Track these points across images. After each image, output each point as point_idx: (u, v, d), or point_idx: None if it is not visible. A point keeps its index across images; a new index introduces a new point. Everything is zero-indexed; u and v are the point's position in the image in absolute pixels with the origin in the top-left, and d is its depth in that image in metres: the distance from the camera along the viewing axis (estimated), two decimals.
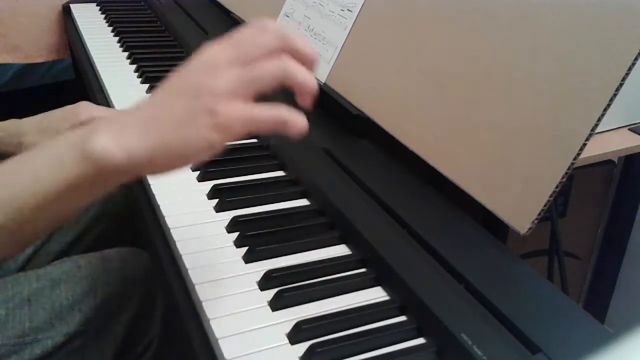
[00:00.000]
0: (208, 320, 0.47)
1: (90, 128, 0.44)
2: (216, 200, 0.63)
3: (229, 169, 0.68)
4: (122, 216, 0.89)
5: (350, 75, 0.78)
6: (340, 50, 0.81)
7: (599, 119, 0.51)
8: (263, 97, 0.43)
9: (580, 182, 1.00)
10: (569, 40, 0.54)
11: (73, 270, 0.69)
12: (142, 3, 1.37)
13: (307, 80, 0.44)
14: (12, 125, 0.77)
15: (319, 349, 0.44)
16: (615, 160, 1.06)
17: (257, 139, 0.77)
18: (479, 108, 0.60)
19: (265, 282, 0.51)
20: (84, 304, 0.67)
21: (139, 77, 0.95)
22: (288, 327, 0.47)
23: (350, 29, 0.80)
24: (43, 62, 1.41)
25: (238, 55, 0.43)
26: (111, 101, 0.86)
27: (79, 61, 1.08)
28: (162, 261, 0.56)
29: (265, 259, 0.55)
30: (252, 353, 0.44)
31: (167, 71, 0.44)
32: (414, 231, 0.56)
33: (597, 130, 0.51)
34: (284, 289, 0.50)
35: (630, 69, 0.49)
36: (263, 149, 0.74)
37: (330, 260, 0.55)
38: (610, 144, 0.84)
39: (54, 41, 1.37)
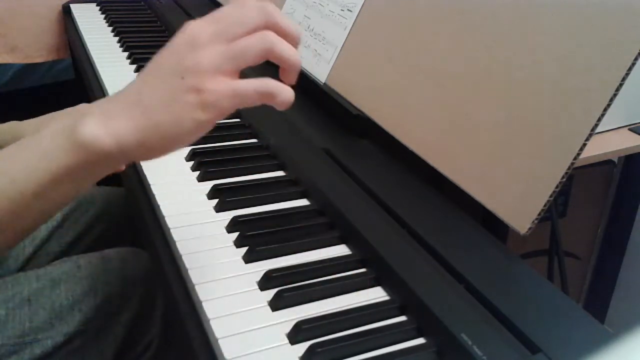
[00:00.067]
0: (208, 320, 0.47)
1: (79, 115, 0.44)
2: (216, 200, 0.63)
3: (229, 169, 0.68)
4: (122, 216, 0.89)
5: (350, 75, 0.78)
6: (340, 50, 0.81)
7: (599, 119, 0.51)
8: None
9: (580, 182, 1.00)
10: (569, 40, 0.54)
11: (73, 270, 0.69)
12: (142, 3, 1.37)
13: (291, 56, 0.44)
14: (12, 127, 0.77)
15: (319, 349, 0.44)
16: (615, 160, 1.06)
17: (257, 139, 0.77)
18: (479, 108, 0.60)
19: (265, 282, 0.51)
20: (84, 304, 0.67)
21: None
22: (288, 327, 0.47)
23: (350, 29, 0.80)
24: (43, 62, 1.41)
25: (220, 31, 0.42)
26: None
27: (79, 61, 1.08)
28: (162, 261, 0.56)
29: (265, 259, 0.55)
30: (252, 353, 0.44)
31: None
32: (414, 231, 0.56)
33: (597, 130, 0.51)
34: (284, 289, 0.50)
35: (630, 69, 0.49)
36: (263, 149, 0.74)
37: (330, 260, 0.55)
38: (610, 144, 0.84)
39: (54, 41, 1.37)
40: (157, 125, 0.42)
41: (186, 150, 0.72)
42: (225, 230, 0.59)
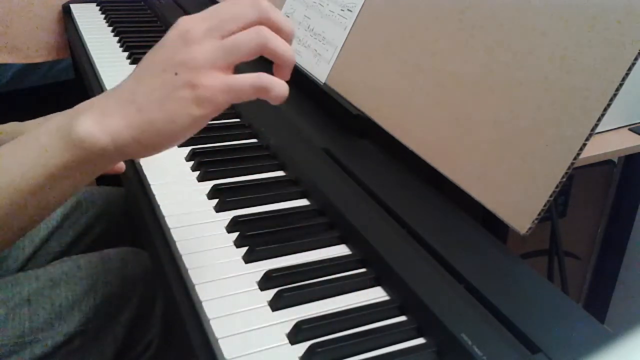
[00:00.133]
0: (208, 320, 0.47)
1: (74, 112, 0.43)
2: (216, 200, 0.63)
3: (229, 169, 0.68)
4: (122, 216, 0.89)
5: (350, 75, 0.78)
6: (340, 50, 0.81)
7: (599, 119, 0.51)
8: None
9: (580, 182, 1.00)
10: (569, 40, 0.54)
11: (73, 270, 0.69)
12: (142, 3, 1.37)
13: (286, 51, 0.44)
14: (12, 127, 0.77)
15: (319, 349, 0.44)
16: (615, 160, 1.06)
17: (257, 139, 0.77)
18: (479, 108, 0.60)
19: (265, 282, 0.51)
20: (84, 304, 0.67)
21: None
22: (288, 327, 0.47)
23: (350, 29, 0.80)
24: (43, 62, 1.41)
25: (214, 26, 0.42)
26: None
27: (79, 61, 1.08)
28: (162, 261, 0.56)
29: (265, 259, 0.55)
30: (252, 353, 0.44)
31: None
32: (414, 231, 0.56)
33: (597, 130, 0.51)
34: (284, 289, 0.50)
35: (630, 69, 0.49)
36: (263, 149, 0.74)
37: (330, 260, 0.55)
38: (610, 144, 0.84)
39: (54, 41, 1.37)
40: (151, 121, 0.41)
41: (186, 150, 0.72)
42: (225, 230, 0.59)
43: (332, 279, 0.53)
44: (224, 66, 0.42)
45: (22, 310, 0.64)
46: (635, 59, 0.49)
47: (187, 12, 1.21)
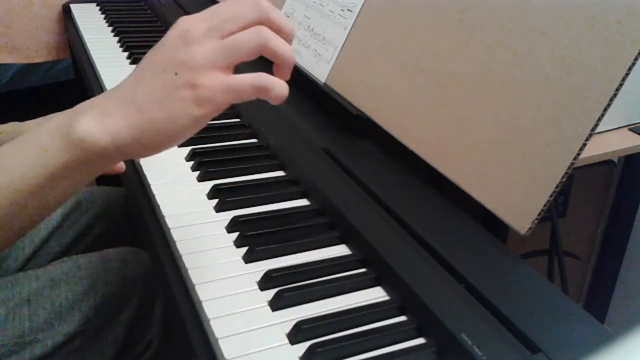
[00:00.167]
0: (208, 320, 0.47)
1: (74, 112, 0.43)
2: (216, 200, 0.63)
3: (229, 169, 0.68)
4: (122, 216, 0.89)
5: (350, 75, 0.78)
6: (340, 50, 0.81)
7: (599, 119, 0.51)
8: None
9: (580, 182, 1.00)
10: (569, 40, 0.54)
11: (73, 270, 0.69)
12: (142, 3, 1.37)
13: (286, 51, 0.44)
14: (13, 127, 0.77)
15: (319, 349, 0.44)
16: (615, 160, 1.06)
17: (257, 139, 0.77)
18: (479, 108, 0.60)
19: (265, 282, 0.51)
20: (84, 304, 0.67)
21: None
22: (288, 327, 0.47)
23: (350, 29, 0.80)
24: (43, 62, 1.41)
25: (214, 26, 0.42)
26: None
27: (79, 61, 1.08)
28: (162, 261, 0.56)
29: (265, 259, 0.55)
30: (252, 353, 0.44)
31: None
32: (414, 231, 0.56)
33: (597, 130, 0.51)
34: (284, 289, 0.50)
35: (630, 69, 0.49)
36: (263, 149, 0.74)
37: (330, 260, 0.55)
38: (610, 144, 0.84)
39: (54, 41, 1.37)
40: (151, 121, 0.41)
41: (186, 150, 0.72)
42: (225, 230, 0.59)
43: (332, 279, 0.53)
44: (224, 66, 0.42)
45: (22, 310, 0.64)
46: (635, 59, 0.49)
47: (187, 12, 1.21)
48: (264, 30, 0.43)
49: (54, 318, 0.65)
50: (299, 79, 0.82)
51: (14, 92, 1.46)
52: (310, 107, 0.82)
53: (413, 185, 0.65)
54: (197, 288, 0.50)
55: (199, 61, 0.41)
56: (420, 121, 0.66)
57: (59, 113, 0.72)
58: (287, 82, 0.45)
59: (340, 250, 0.58)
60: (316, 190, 0.64)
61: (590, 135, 0.51)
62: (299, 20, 0.89)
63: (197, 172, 0.68)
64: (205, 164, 0.69)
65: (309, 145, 0.72)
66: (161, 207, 0.61)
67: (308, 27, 0.87)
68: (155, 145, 0.43)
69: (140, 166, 0.68)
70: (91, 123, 0.42)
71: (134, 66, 1.06)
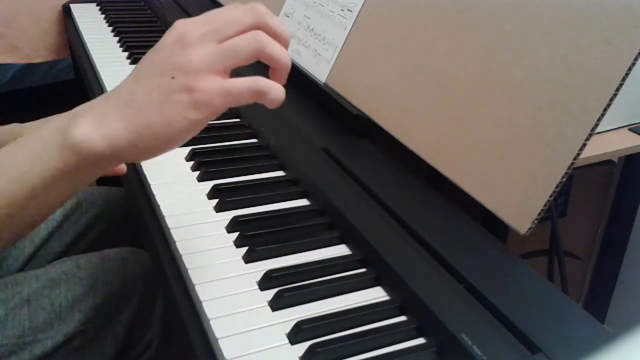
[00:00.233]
0: (208, 320, 0.47)
1: (72, 116, 0.43)
2: (216, 200, 0.63)
3: (229, 169, 0.68)
4: (122, 216, 0.89)
5: (350, 75, 0.78)
6: (340, 50, 0.81)
7: (599, 119, 0.51)
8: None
9: (580, 182, 1.00)
10: (569, 40, 0.54)
11: (73, 270, 0.69)
12: (142, 3, 1.37)
13: (282, 56, 0.44)
14: (13, 129, 0.77)
15: (319, 349, 0.44)
16: (615, 160, 1.06)
17: (257, 139, 0.77)
18: (478, 108, 0.60)
19: (265, 282, 0.51)
20: (84, 304, 0.67)
21: None
22: (288, 327, 0.47)
23: (350, 29, 0.80)
24: (43, 62, 1.41)
25: (211, 30, 0.42)
26: None
27: (79, 61, 1.08)
28: (162, 261, 0.56)
29: (265, 259, 0.55)
30: (252, 353, 0.44)
31: None
32: (414, 231, 0.56)
33: (597, 130, 0.51)
34: (284, 289, 0.50)
35: (630, 69, 0.49)
36: (263, 149, 0.74)
37: (330, 260, 0.55)
38: (610, 144, 0.84)
39: (54, 41, 1.37)
40: (149, 125, 0.41)
41: (186, 150, 0.72)
42: (225, 230, 0.59)
43: (332, 279, 0.53)
44: (221, 70, 0.42)
45: (21, 310, 0.64)
46: (635, 59, 0.49)
47: (187, 12, 1.22)
48: (261, 35, 0.43)
49: (54, 318, 0.65)
50: (299, 79, 0.82)
51: (14, 92, 1.46)
52: (310, 107, 0.82)
53: (413, 185, 0.65)
54: (197, 288, 0.50)
55: (195, 65, 0.41)
56: (420, 121, 0.66)
57: (58, 115, 0.72)
58: (286, 82, 0.46)
59: (340, 250, 0.58)
60: (316, 190, 0.64)
61: (590, 135, 0.51)
62: (299, 20, 0.89)
63: (197, 172, 0.68)
64: (205, 164, 0.69)
65: (309, 145, 0.72)
66: (161, 207, 0.61)
67: (308, 27, 0.87)
68: (152, 149, 0.43)
69: (140, 166, 0.68)
70: (88, 127, 0.42)
71: (134, 66, 1.06)
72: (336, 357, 0.45)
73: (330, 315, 0.48)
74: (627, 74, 0.49)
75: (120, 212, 0.89)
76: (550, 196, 0.52)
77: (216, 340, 0.45)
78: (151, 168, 0.67)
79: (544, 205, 0.52)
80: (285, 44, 0.45)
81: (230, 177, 0.67)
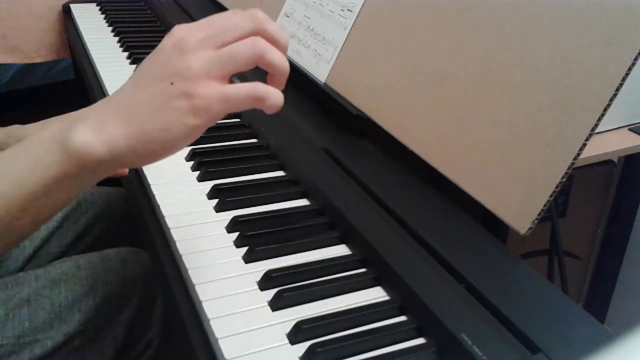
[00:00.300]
0: (208, 320, 0.47)
1: (71, 121, 0.43)
2: (216, 200, 0.63)
3: (229, 169, 0.68)
4: (122, 216, 0.89)
5: (350, 75, 0.78)
6: (340, 50, 0.81)
7: (599, 119, 0.51)
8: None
9: (580, 182, 1.00)
10: (569, 40, 0.54)
11: (73, 270, 0.69)
12: (142, 3, 1.37)
13: (281, 62, 0.44)
14: (14, 130, 0.77)
15: (319, 349, 0.44)
16: (615, 160, 1.06)
17: (257, 139, 0.77)
18: (479, 108, 0.60)
19: (265, 282, 0.51)
20: (83, 304, 0.67)
21: None
22: (288, 327, 0.47)
23: (350, 29, 0.80)
24: (43, 62, 1.41)
25: (210, 36, 0.42)
26: None
27: (79, 61, 1.08)
28: (162, 261, 0.56)
29: (265, 259, 0.55)
30: (252, 353, 0.44)
31: None
32: (414, 231, 0.56)
33: (597, 130, 0.51)
34: (284, 289, 0.50)
35: (630, 69, 0.49)
36: (263, 149, 0.74)
37: (330, 260, 0.55)
38: (610, 144, 0.84)
39: (54, 41, 1.37)
40: (147, 131, 0.41)
41: (186, 150, 0.72)
42: (225, 230, 0.59)
43: (332, 279, 0.53)
44: (219, 76, 0.42)
45: (21, 310, 0.64)
46: (635, 59, 0.49)
47: (187, 12, 1.21)
48: (260, 41, 0.43)
49: (54, 318, 0.65)
50: (299, 79, 0.82)
51: (14, 92, 1.46)
52: (310, 107, 0.82)
53: (413, 185, 0.65)
54: (197, 288, 0.50)
55: (194, 70, 0.41)
56: (420, 121, 0.66)
57: (58, 118, 0.72)
58: (287, 82, 0.46)
59: (340, 250, 0.58)
60: (316, 190, 0.64)
61: (590, 135, 0.51)
62: (299, 20, 0.89)
63: (197, 172, 0.68)
64: (205, 164, 0.69)
65: (309, 145, 0.72)
66: (161, 207, 0.61)
67: (308, 27, 0.87)
68: (152, 155, 0.43)
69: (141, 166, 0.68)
70: (87, 133, 0.42)
71: (134, 66, 1.06)
72: (336, 357, 0.45)
73: (330, 315, 0.48)
74: (627, 74, 0.49)
75: (120, 212, 0.89)
76: (550, 196, 0.52)
77: (216, 340, 0.45)
78: (151, 168, 0.67)
79: (544, 205, 0.52)
80: (283, 50, 0.45)
81: (230, 177, 0.67)
